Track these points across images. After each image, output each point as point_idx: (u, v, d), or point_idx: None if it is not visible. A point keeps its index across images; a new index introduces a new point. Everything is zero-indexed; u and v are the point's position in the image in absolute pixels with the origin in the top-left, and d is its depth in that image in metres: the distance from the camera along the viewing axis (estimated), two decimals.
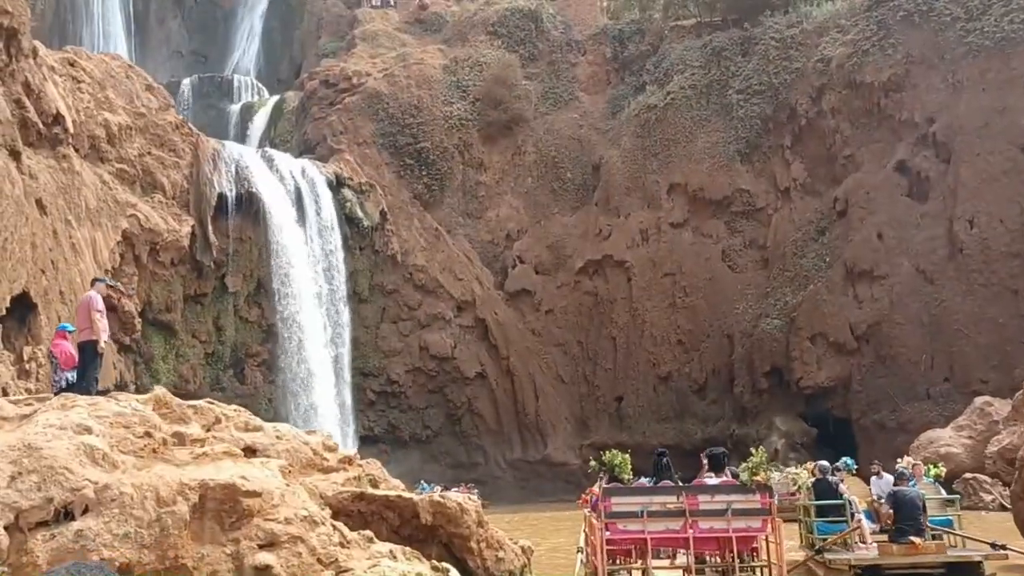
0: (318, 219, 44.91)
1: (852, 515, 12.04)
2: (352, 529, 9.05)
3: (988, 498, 24.20)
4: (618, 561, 11.88)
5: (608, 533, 10.22)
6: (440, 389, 47.08)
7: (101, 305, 11.25)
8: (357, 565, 7.99)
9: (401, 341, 46.70)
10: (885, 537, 11.80)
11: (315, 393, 42.35)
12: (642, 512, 10.13)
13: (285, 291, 42.78)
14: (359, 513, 9.79)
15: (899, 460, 15.71)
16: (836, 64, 44.24)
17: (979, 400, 27.77)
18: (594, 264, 49.45)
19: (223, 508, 7.59)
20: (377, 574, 7.90)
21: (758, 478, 10.12)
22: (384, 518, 9.88)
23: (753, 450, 10.49)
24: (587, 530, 12.88)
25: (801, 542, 13.95)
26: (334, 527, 8.38)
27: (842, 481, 12.90)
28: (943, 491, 13.67)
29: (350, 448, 41.93)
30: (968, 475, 24.99)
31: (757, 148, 47.69)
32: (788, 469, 16.83)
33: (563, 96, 53.07)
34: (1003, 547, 10.65)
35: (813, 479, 13.03)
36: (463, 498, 10.15)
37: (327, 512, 9.14)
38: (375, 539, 8.91)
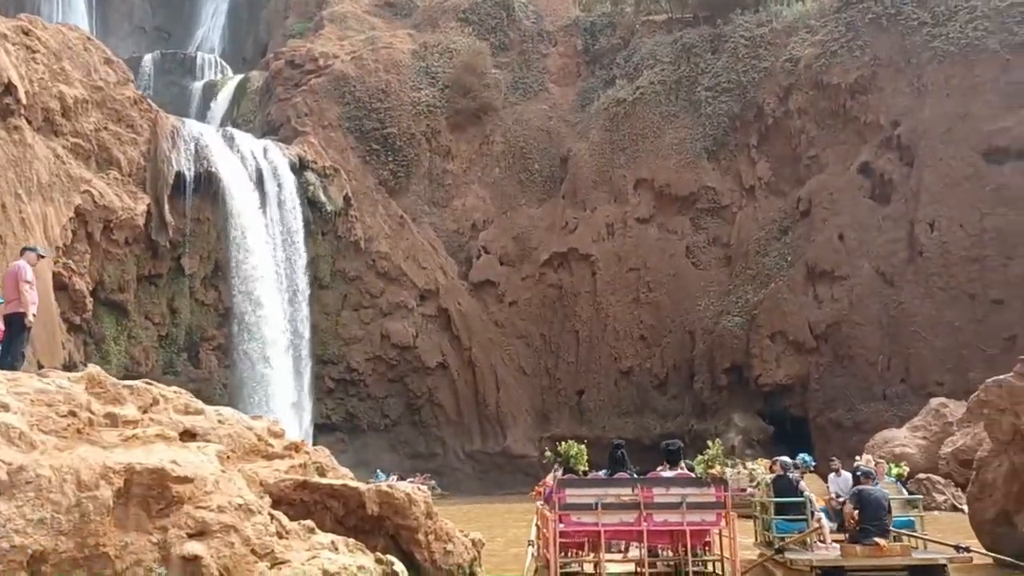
0: (279, 202, 44.06)
1: (812, 514, 11.71)
2: (294, 519, 8.65)
3: (941, 498, 24.42)
4: (570, 554, 11.63)
5: (561, 525, 9.93)
6: (400, 378, 46.59)
7: (30, 275, 10.64)
8: (295, 557, 7.60)
9: (362, 329, 46.10)
10: (843, 537, 11.63)
11: (272, 379, 41.63)
12: (596, 504, 9.86)
13: (243, 274, 41.92)
14: (302, 502, 9.38)
15: (857, 458, 15.49)
16: (804, 64, 44.43)
17: (934, 401, 28.06)
18: (559, 257, 49.25)
19: (150, 494, 7.14)
20: (316, 566, 7.51)
21: (713, 471, 9.91)
22: (328, 508, 9.48)
23: (710, 443, 10.27)
24: (539, 522, 12.58)
25: (756, 539, 13.69)
26: (272, 516, 7.97)
27: (802, 478, 12.59)
28: (905, 491, 13.50)
29: (306, 436, 41.41)
30: (922, 475, 25.20)
31: (724, 146, 47.81)
32: (749, 465, 16.36)
33: (533, 87, 52.72)
34: (967, 549, 10.43)
35: (772, 475, 12.69)
36: (412, 488, 9.77)
37: (266, 501, 8.72)
38: (317, 530, 8.51)
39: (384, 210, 47.80)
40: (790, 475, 12.30)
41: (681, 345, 46.01)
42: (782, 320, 41.21)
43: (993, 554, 10.46)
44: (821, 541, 11.35)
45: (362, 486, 9.56)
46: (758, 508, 13.49)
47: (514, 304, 49.40)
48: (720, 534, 10.33)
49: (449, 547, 9.88)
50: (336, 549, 8.17)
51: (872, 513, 10.48)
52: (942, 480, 24.54)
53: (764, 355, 41.25)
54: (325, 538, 8.27)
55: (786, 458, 13.07)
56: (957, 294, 37.53)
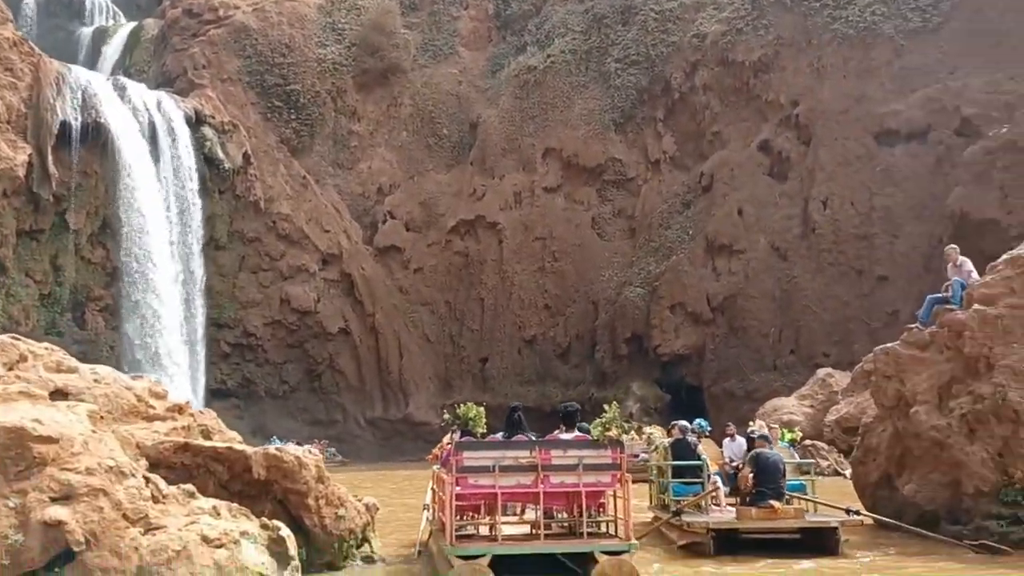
0: (174, 157, 42.06)
1: (708, 477, 11.78)
2: (174, 483, 8.19)
3: (824, 464, 25.52)
4: (466, 517, 11.50)
5: (458, 488, 9.75)
6: (300, 344, 45.52)
7: None
8: (172, 522, 7.17)
9: (260, 292, 44.72)
10: (735, 500, 11.81)
11: (163, 342, 39.95)
12: (494, 467, 9.71)
13: (133, 232, 39.91)
14: (183, 466, 8.90)
15: (750, 424, 15.85)
16: (711, 41, 45.11)
17: (821, 372, 29.25)
18: (466, 224, 48.91)
19: (8, 455, 6.58)
20: (194, 532, 7.11)
21: (610, 433, 9.90)
22: (212, 472, 9.02)
23: (607, 406, 10.25)
24: (435, 486, 12.40)
25: (651, 503, 13.88)
26: (148, 480, 7.49)
27: (699, 442, 12.73)
28: (797, 456, 13.88)
29: (199, 402, 40.03)
30: (808, 442, 26.28)
31: (631, 119, 48.25)
32: (646, 429, 16.31)
33: (443, 49, 51.81)
34: (856, 513, 10.68)
35: (671, 439, 12.68)
36: (302, 452, 9.41)
37: (142, 464, 8.22)
38: (197, 494, 8.07)
39: (286, 170, 46.31)
40: (688, 438, 12.31)
41: (584, 315, 46.55)
42: (682, 292, 42.14)
43: (879, 517, 10.83)
44: (716, 504, 11.49)
45: (248, 449, 9.13)
46: (655, 471, 13.56)
47: (419, 271, 48.88)
48: (615, 495, 10.35)
49: (341, 512, 9.59)
50: (218, 514, 7.77)
51: (768, 476, 10.56)
52: (826, 446, 25.63)
53: (664, 326, 42.14)
54: (206, 503, 7.85)
55: (684, 422, 13.12)
56: (846, 270, 39.14)
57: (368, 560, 10.31)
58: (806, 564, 9.49)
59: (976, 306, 10.06)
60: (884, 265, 37.88)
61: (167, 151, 41.88)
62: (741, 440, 13.88)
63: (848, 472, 19.89)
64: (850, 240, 39.13)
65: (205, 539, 7.05)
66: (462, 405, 11.47)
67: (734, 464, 13.06)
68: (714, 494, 11.59)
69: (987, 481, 9.52)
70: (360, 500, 10.65)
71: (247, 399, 44.44)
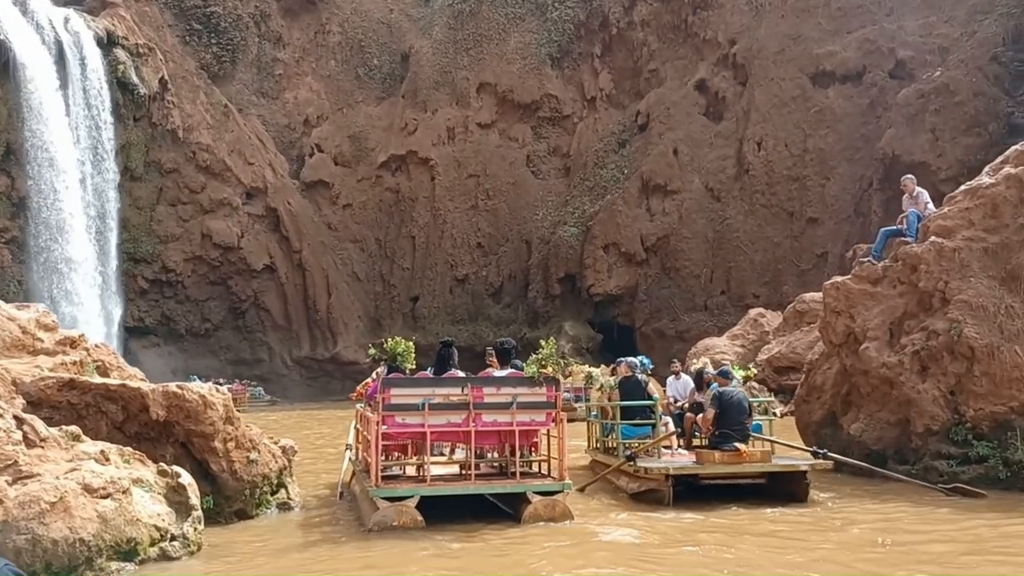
0: (83, 81, 39.30)
1: (660, 418, 10.72)
2: (59, 425, 7.23)
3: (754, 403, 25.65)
4: (391, 457, 10.83)
5: (385, 427, 9.04)
6: (223, 281, 43.78)
7: None
8: (49, 469, 6.26)
9: (180, 226, 42.63)
10: (681, 443, 11.10)
11: (75, 277, 37.81)
12: (423, 404, 9.02)
13: (40, 160, 37.35)
14: (70, 405, 7.91)
15: (694, 361, 15.16)
16: None
17: (753, 312, 29.29)
18: (397, 159, 47.45)
19: None
20: (75, 480, 6.21)
21: (546, 371, 9.28)
22: (104, 412, 8.06)
23: (543, 342, 9.60)
24: (359, 424, 11.65)
25: (590, 445, 13.14)
26: (20, 421, 6.53)
27: (648, 381, 11.52)
28: (750, 395, 12.96)
29: (115, 339, 38.24)
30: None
31: (568, 54, 47.17)
32: (587, 368, 14.93)
33: None
34: (825, 454, 9.64)
35: (619, 377, 11.45)
36: (208, 390, 8.48)
37: (18, 402, 7.23)
38: (84, 437, 7.14)
39: (206, 98, 43.86)
40: (638, 376, 11.29)
41: (517, 254, 45.96)
42: (616, 232, 41.79)
43: (850, 460, 9.76)
44: (666, 447, 10.55)
45: (145, 386, 8.13)
46: (595, 413, 12.73)
47: (349, 207, 47.38)
48: (548, 434, 9.80)
49: (252, 456, 8.73)
50: (106, 460, 6.87)
51: (733, 417, 9.53)
52: (757, 385, 25.74)
53: (597, 265, 41.83)
54: (92, 447, 6.92)
55: (633, 359, 11.91)
56: (777, 212, 39.27)
57: (284, 507, 9.50)
58: (775, 511, 8.71)
59: (932, 238, 9.56)
60: (815, 207, 38.10)
61: (76, 74, 39.10)
62: (687, 378, 13.06)
63: (779, 411, 19.88)
64: (783, 182, 39.19)
65: (88, 488, 6.16)
66: (390, 339, 10.64)
67: (679, 404, 12.25)
68: (670, 436, 10.78)
69: (937, 420, 9.13)
70: (276, 442, 9.81)
71: (167, 337, 42.71)
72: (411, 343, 10.57)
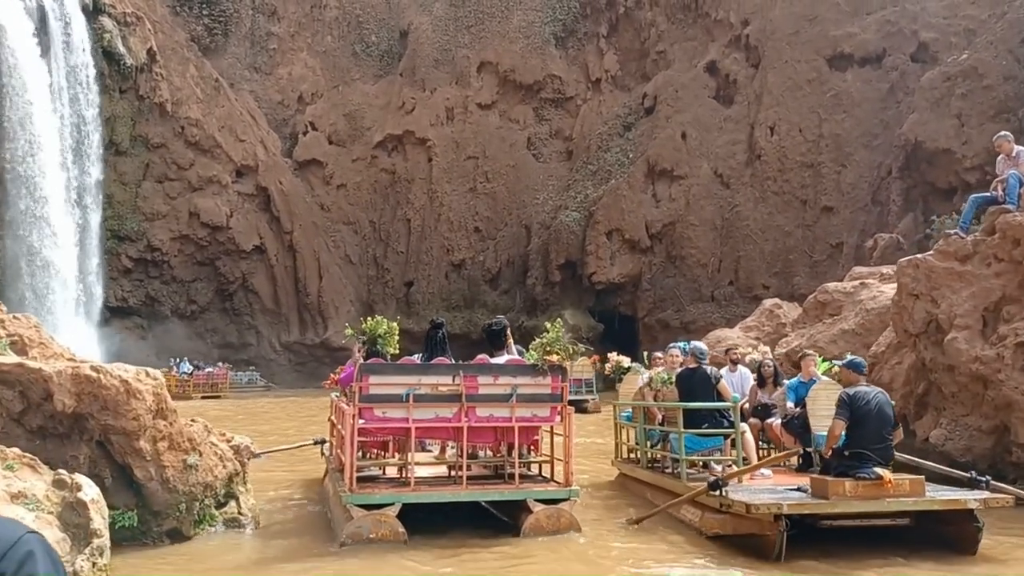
0: (67, 50, 37.65)
1: (737, 426, 8.04)
2: None
3: None
4: (370, 456, 9.32)
5: (362, 421, 7.57)
6: (211, 261, 42.16)
7: None
8: None
9: (167, 204, 40.97)
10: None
11: (55, 254, 36.20)
12: (408, 395, 7.55)
13: (19, 131, 35.73)
14: None
15: (737, 349, 12.32)
16: None
17: (768, 302, 27.67)
18: (394, 139, 45.82)
19: None
20: None
21: (552, 358, 7.75)
22: None
23: (548, 324, 8.07)
24: (333, 416, 10.12)
25: (618, 455, 10.74)
26: None
27: (721, 375, 8.75)
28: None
29: (95, 319, 36.67)
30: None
31: (573, 33, 45.57)
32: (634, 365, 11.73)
33: None
34: (987, 483, 7.01)
35: (681, 369, 8.76)
36: (134, 374, 6.80)
37: None
38: None
39: (196, 71, 42.14)
40: (706, 368, 8.47)
41: (516, 239, 44.42)
42: (620, 218, 40.20)
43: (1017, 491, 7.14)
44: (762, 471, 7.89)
45: (49, 368, 6.37)
46: (630, 413, 10.20)
47: (342, 187, 45.76)
48: (552, 431, 8.32)
49: (191, 459, 6.99)
50: None
51: (872, 430, 6.69)
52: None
53: (599, 253, 40.25)
54: None
55: (697, 343, 9.16)
56: (789, 199, 37.70)
57: (233, 524, 7.63)
58: (943, 571, 6.09)
59: None
60: (830, 195, 36.50)
61: (59, 42, 37.45)
62: (744, 370, 10.29)
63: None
64: (796, 168, 37.59)
65: None
66: (370, 319, 9.09)
67: (741, 405, 8.95)
68: (762, 460, 7.92)
69: None
70: (228, 440, 8.15)
71: (151, 319, 41.11)
72: (395, 324, 9.01)
